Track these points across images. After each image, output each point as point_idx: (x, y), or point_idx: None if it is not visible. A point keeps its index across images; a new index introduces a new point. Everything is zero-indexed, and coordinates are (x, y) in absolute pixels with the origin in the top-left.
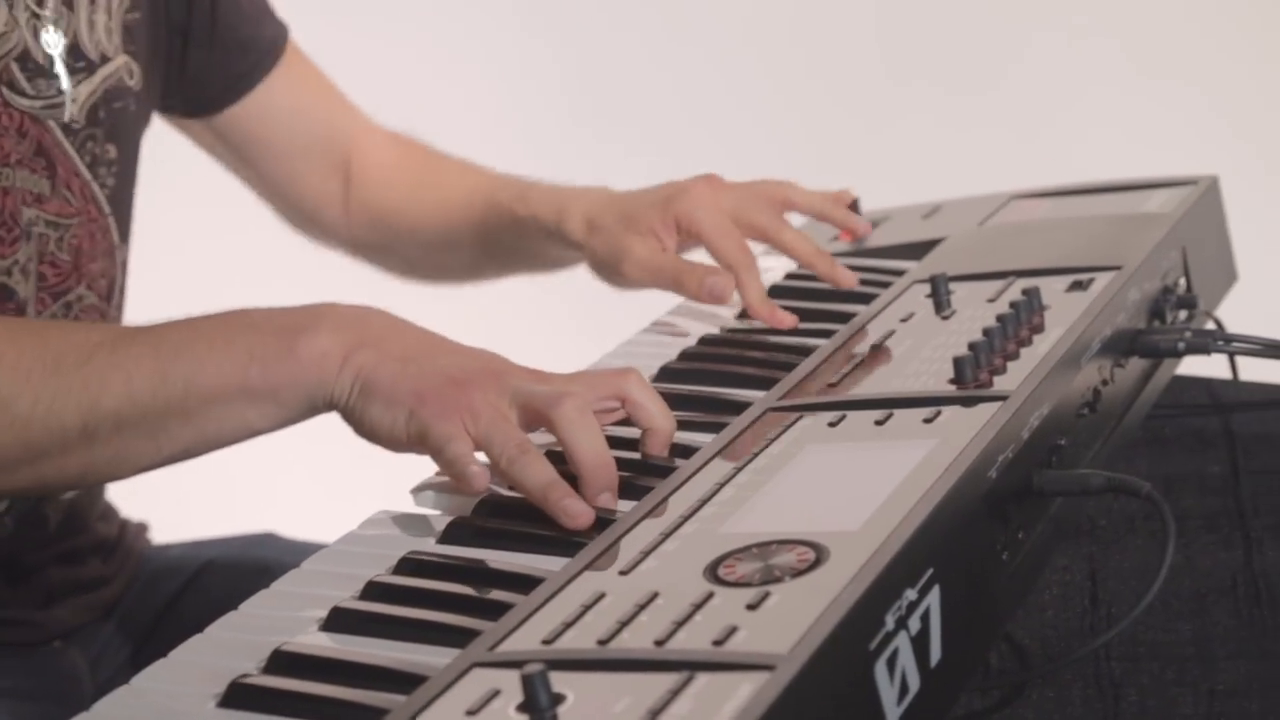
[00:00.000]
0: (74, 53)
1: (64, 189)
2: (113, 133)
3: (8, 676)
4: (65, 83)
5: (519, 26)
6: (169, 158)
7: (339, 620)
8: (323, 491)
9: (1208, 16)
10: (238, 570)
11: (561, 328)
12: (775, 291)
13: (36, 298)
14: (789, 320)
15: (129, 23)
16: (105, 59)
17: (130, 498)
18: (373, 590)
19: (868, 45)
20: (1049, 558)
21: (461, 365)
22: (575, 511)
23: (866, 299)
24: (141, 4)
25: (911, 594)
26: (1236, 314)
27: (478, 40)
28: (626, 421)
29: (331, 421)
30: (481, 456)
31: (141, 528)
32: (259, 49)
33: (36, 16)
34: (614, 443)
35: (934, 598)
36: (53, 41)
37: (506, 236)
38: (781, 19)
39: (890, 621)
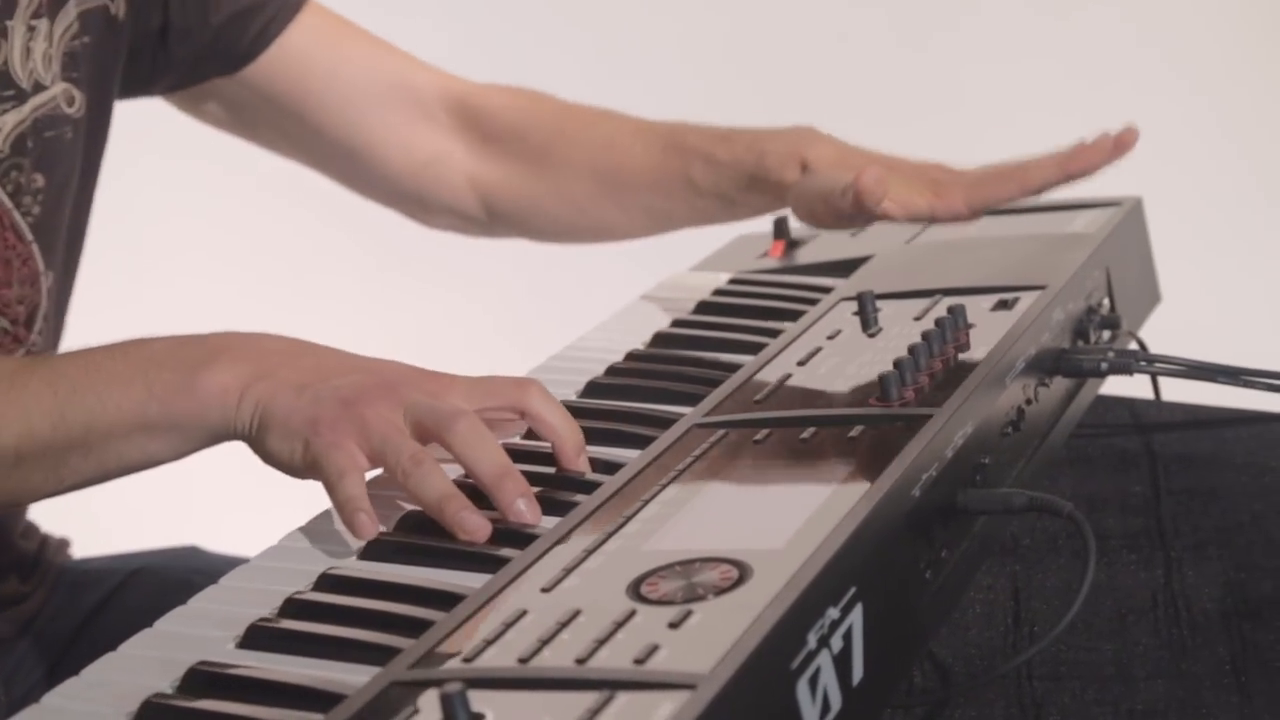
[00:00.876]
0: (3, 80)
1: None
2: (41, 161)
3: None
4: None
5: (475, 28)
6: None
7: (257, 637)
8: (246, 504)
9: (1132, 43)
10: (159, 584)
11: (489, 341)
12: (703, 307)
13: None
14: (1128, 139)
15: (73, 49)
16: (40, 87)
17: (51, 513)
18: (291, 607)
19: (804, 63)
20: (972, 576)
21: (356, 384)
22: (472, 526)
23: (794, 315)
24: (94, 28)
25: (834, 613)
26: (1159, 335)
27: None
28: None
29: None
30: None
31: (63, 543)
32: (261, 14)
33: None
34: (534, 457)
35: (856, 616)
36: None
37: (701, 182)
38: (707, 46)
39: (813, 640)
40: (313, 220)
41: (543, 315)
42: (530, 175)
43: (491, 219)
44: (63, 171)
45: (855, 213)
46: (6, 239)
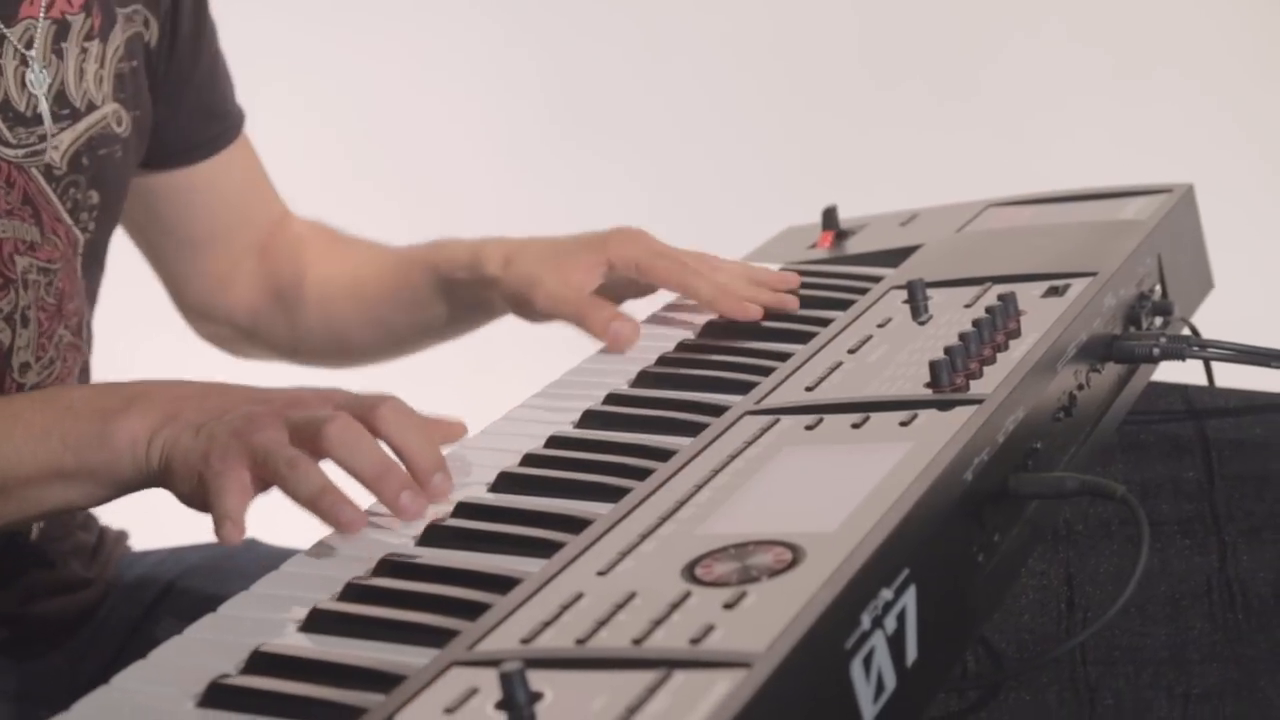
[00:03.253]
0: (59, 99)
1: (51, 234)
2: (97, 179)
3: None
4: (48, 127)
5: (502, 37)
6: None
7: (318, 621)
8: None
9: (1187, 27)
10: (217, 576)
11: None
12: None
13: (37, 343)
14: (755, 312)
15: (122, 71)
16: (92, 106)
17: (108, 507)
18: (352, 591)
19: (849, 51)
20: (1025, 561)
21: (247, 414)
22: (347, 518)
23: (844, 305)
24: (138, 53)
25: (887, 594)
26: (1212, 321)
27: (452, 46)
28: (610, 424)
29: None
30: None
31: (122, 535)
32: (224, 121)
33: (25, 62)
34: (600, 446)
35: (910, 598)
36: (38, 81)
37: (421, 289)
38: (763, 26)
39: (866, 621)
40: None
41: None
42: (292, 303)
43: (254, 334)
44: (114, 189)
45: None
46: (69, 255)
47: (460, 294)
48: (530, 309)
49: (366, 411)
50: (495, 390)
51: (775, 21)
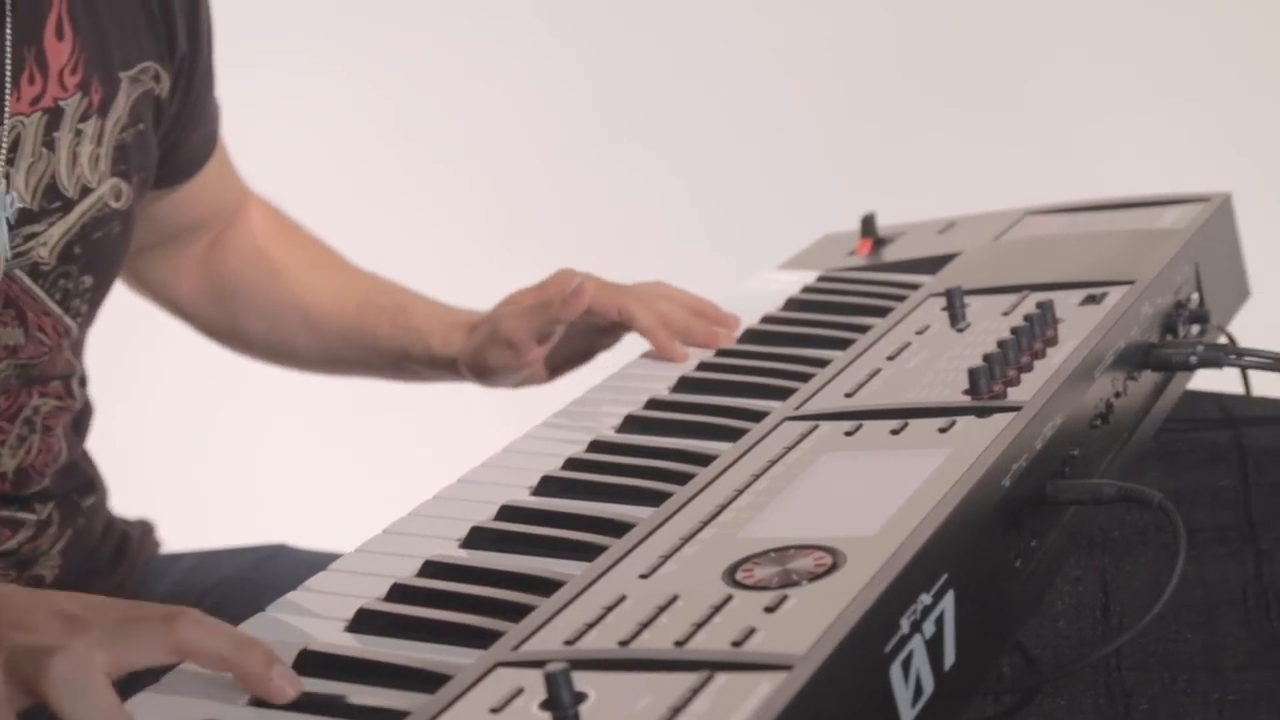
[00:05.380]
0: (49, 193)
1: (36, 332)
2: (91, 264)
3: None
4: (37, 225)
5: (546, 30)
6: None
7: (365, 621)
8: (336, 501)
9: (1222, 37)
10: (250, 587)
11: None
12: (793, 304)
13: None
14: (680, 354)
15: (124, 141)
16: (87, 191)
17: (136, 502)
18: (397, 592)
19: (888, 59)
20: (1061, 567)
21: None
22: None
23: (882, 312)
24: (146, 113)
25: (926, 598)
26: (1249, 330)
27: (503, 44)
28: (651, 429)
29: (344, 431)
30: None
31: (147, 530)
32: (209, 137)
33: (6, 176)
34: (642, 451)
35: (948, 603)
36: (10, 200)
37: (383, 342)
38: (804, 31)
39: (905, 625)
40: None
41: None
42: (234, 299)
43: (188, 315)
44: (110, 268)
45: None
46: (60, 344)
47: (415, 369)
48: (494, 353)
49: (156, 628)
50: (533, 399)
51: (818, 29)
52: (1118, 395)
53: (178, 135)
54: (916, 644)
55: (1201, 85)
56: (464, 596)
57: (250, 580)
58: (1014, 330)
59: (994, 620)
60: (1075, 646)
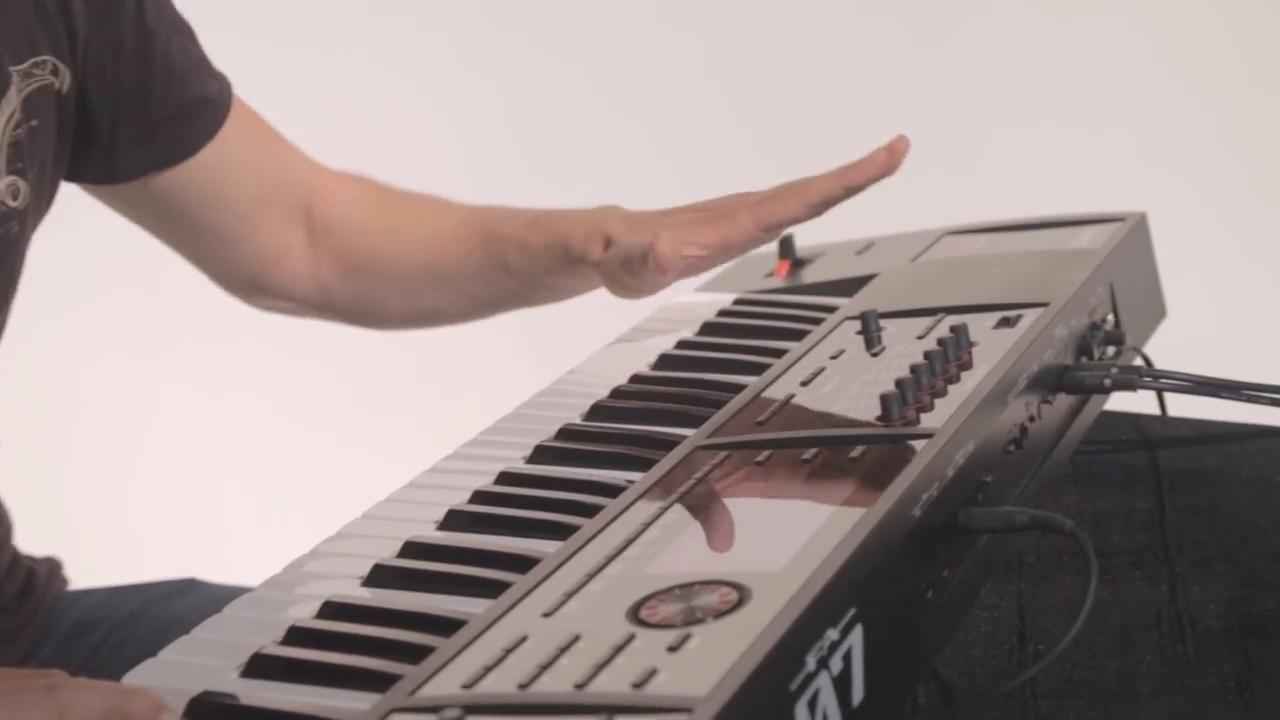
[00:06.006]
0: None
1: None
2: None
3: None
4: None
5: (458, 57)
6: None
7: (260, 667)
8: (247, 533)
9: (1137, 55)
10: (159, 622)
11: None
12: (708, 328)
13: None
14: (900, 147)
15: (18, 138)
16: None
17: (45, 540)
18: (295, 635)
19: (804, 78)
20: (975, 595)
21: None
22: None
23: (798, 335)
24: (43, 107)
25: (833, 634)
26: (1165, 349)
27: (418, 71)
28: (561, 459)
29: (259, 463)
30: None
31: (54, 567)
32: (205, 110)
33: None
34: (551, 482)
35: (856, 637)
36: None
37: (516, 267)
38: (722, 50)
39: (811, 662)
40: None
41: (550, 338)
42: (366, 272)
43: (326, 307)
44: (12, 266)
45: (659, 274)
46: None
47: (560, 283)
48: (641, 270)
49: (37, 698)
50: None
51: (734, 47)
52: (1032, 419)
53: (134, 115)
54: (823, 681)
55: (1118, 103)
56: (362, 639)
57: (158, 617)
58: (927, 354)
59: (905, 653)
60: (991, 674)
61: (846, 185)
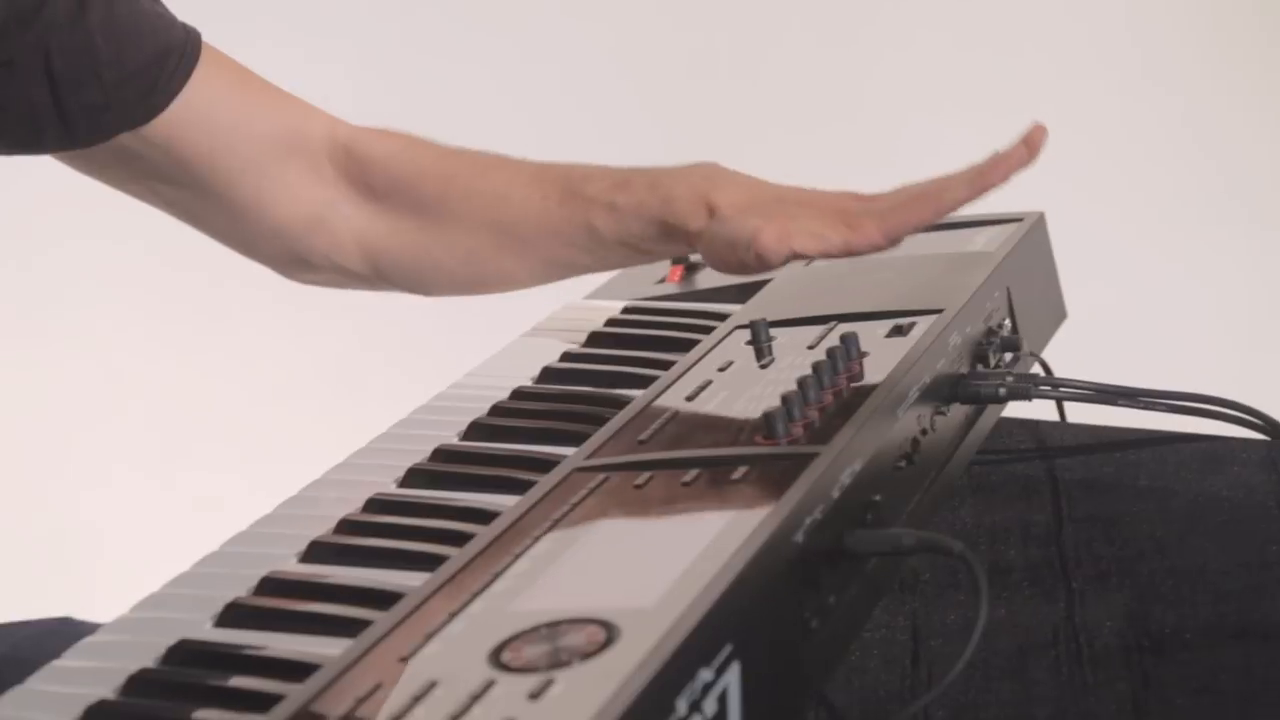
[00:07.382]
0: None
1: None
2: None
3: None
4: None
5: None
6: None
7: (97, 718)
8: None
9: (1032, 52)
10: (29, 666)
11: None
12: (595, 339)
13: None
14: (1037, 136)
15: None
16: None
17: None
18: (137, 684)
19: (714, 75)
20: (865, 620)
21: None
22: None
23: (687, 345)
24: None
25: (707, 674)
26: (1066, 352)
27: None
28: (435, 483)
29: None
30: None
31: None
32: (168, 60)
33: None
34: (422, 509)
35: (733, 676)
36: None
37: (604, 231)
38: (622, 45)
39: (682, 706)
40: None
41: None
42: (421, 230)
43: (377, 275)
44: None
45: (760, 269)
46: None
47: (651, 248)
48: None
49: None
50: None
51: (633, 40)
52: (924, 432)
53: (95, 83)
54: None
55: (1014, 98)
56: (210, 689)
57: (28, 659)
58: (815, 366)
59: (788, 688)
60: (884, 700)
61: (984, 185)
